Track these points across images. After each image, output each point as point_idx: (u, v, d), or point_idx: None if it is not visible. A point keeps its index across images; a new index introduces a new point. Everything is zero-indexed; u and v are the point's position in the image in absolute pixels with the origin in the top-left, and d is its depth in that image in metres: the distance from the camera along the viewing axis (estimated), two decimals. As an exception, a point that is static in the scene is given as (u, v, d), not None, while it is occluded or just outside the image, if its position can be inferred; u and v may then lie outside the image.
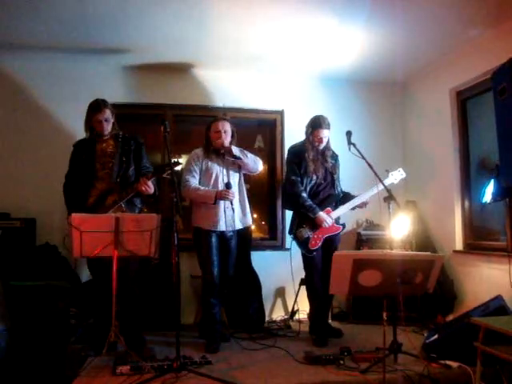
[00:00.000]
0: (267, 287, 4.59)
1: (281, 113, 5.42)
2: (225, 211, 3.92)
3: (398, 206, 3.84)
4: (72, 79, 4.91)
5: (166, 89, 5.06)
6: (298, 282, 4.88)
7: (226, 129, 4.01)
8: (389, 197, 3.77)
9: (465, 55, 4.49)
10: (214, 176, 3.99)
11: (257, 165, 4.13)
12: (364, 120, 5.32)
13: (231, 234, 4.01)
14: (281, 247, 5.25)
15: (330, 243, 4.14)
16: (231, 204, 3.90)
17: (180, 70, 5.09)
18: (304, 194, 4.08)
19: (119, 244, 3.23)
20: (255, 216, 5.25)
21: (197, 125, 5.46)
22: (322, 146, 4.20)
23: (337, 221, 4.19)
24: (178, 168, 3.54)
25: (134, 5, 3.72)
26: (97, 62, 4.87)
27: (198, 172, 4.01)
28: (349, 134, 4.16)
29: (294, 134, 5.30)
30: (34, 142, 4.78)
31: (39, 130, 4.81)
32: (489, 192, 4.33)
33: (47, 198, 4.63)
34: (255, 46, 4.53)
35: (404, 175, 4.31)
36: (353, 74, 5.24)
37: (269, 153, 5.50)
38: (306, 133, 4.25)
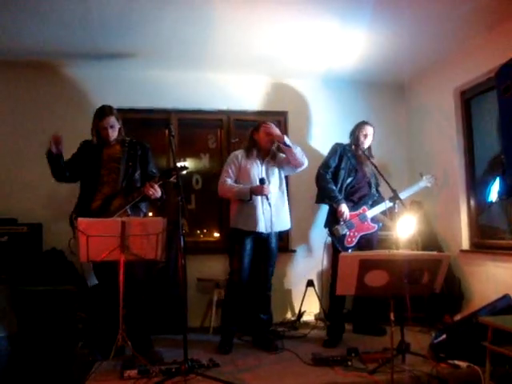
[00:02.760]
0: (274, 289, 4.57)
1: (285, 114, 5.42)
2: (263, 212, 3.93)
3: (404, 206, 3.85)
4: (76, 84, 4.93)
5: (170, 93, 5.07)
6: (304, 283, 4.90)
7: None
8: (394, 197, 3.77)
9: (468, 54, 4.48)
10: (252, 176, 4.00)
11: (304, 158, 4.07)
12: (368, 120, 5.32)
13: (268, 235, 3.98)
14: (286, 249, 5.24)
15: (367, 243, 4.20)
16: (267, 200, 3.85)
17: (184, 74, 5.10)
18: (330, 186, 4.18)
19: (126, 248, 3.24)
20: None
21: (201, 128, 5.48)
22: (366, 144, 4.31)
23: (373, 220, 4.25)
24: (184, 172, 3.57)
25: (138, 10, 3.73)
26: (101, 66, 4.88)
27: (234, 172, 4.07)
28: (364, 137, 4.20)
29: (298, 135, 5.32)
30: (39, 147, 4.78)
31: (44, 135, 4.80)
32: (494, 190, 4.32)
33: (53, 203, 4.66)
34: (259, 48, 4.54)
35: (436, 179, 4.53)
36: (356, 75, 5.24)
37: (273, 155, 5.50)
38: (352, 133, 4.39)
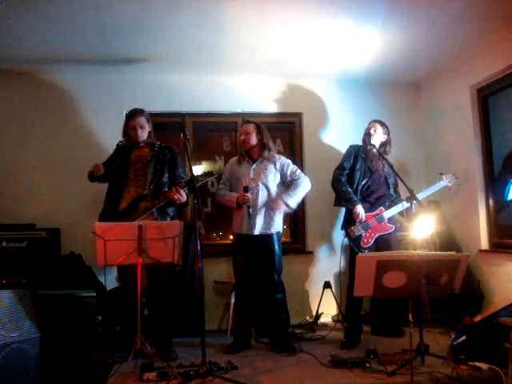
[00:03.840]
0: (290, 291, 4.58)
1: (299, 116, 5.41)
2: (249, 215, 3.93)
3: (421, 206, 3.81)
4: (91, 90, 4.98)
5: (184, 96, 5.08)
6: (321, 285, 4.88)
7: (250, 131, 4.13)
8: (411, 197, 3.74)
9: (484, 51, 4.43)
10: (240, 181, 4.04)
11: (306, 190, 4.18)
12: (383, 120, 5.29)
13: (264, 237, 3.99)
14: (303, 250, 5.23)
15: (385, 244, 4.17)
16: (248, 208, 3.88)
17: (198, 77, 5.11)
18: (345, 188, 4.20)
19: (143, 251, 3.26)
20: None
21: (216, 131, 5.50)
22: (374, 141, 4.27)
23: (390, 220, 4.22)
24: (212, 178, 3.70)
25: (150, 15, 3.76)
26: (114, 71, 4.91)
27: (228, 179, 4.20)
28: (368, 135, 4.17)
29: (313, 137, 5.32)
30: (56, 153, 4.86)
31: (62, 140, 4.88)
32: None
33: (71, 208, 4.72)
34: (272, 50, 4.54)
35: (457, 178, 4.46)
36: (370, 75, 5.21)
37: (289, 156, 5.47)
38: (364, 134, 4.38)
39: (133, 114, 3.84)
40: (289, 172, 4.14)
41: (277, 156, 4.20)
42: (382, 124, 4.38)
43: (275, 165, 4.13)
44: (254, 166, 4.09)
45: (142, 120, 3.83)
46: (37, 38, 4.11)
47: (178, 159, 3.94)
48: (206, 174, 3.62)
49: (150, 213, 3.64)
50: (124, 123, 3.92)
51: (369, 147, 4.24)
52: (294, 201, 4.04)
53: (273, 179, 4.10)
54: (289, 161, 4.22)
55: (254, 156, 4.14)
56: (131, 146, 3.88)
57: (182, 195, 3.61)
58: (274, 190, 4.09)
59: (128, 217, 3.57)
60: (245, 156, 4.15)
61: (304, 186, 4.13)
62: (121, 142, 4.00)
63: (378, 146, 4.27)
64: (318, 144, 5.31)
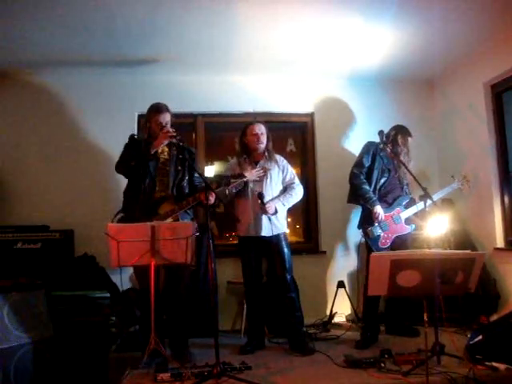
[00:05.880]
0: (304, 291, 4.56)
1: (311, 115, 5.39)
2: (255, 217, 3.92)
3: (435, 205, 3.78)
4: (104, 91, 5.01)
5: (195, 97, 5.09)
6: (335, 284, 4.86)
7: (263, 131, 4.07)
8: (425, 195, 3.71)
9: (497, 48, 4.38)
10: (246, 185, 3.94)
11: (298, 200, 4.18)
12: (396, 119, 5.18)
13: (271, 238, 3.95)
14: (316, 250, 5.21)
15: (402, 244, 4.15)
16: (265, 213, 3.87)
17: (209, 77, 5.10)
18: (364, 186, 4.13)
19: (156, 252, 3.25)
20: (289, 220, 5.22)
21: (228, 131, 5.50)
22: (402, 151, 4.27)
23: (406, 221, 4.21)
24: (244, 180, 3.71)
25: (161, 16, 3.77)
26: (127, 73, 4.93)
27: None
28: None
29: (325, 136, 5.30)
30: (70, 154, 4.89)
31: (75, 142, 4.91)
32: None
33: (84, 209, 4.74)
34: (283, 49, 4.53)
35: (468, 181, 4.48)
36: (382, 73, 5.17)
37: (301, 156, 5.48)
38: (388, 135, 4.30)
39: (160, 109, 3.68)
40: (288, 178, 4.14)
41: (277, 156, 4.18)
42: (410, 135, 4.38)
43: (278, 164, 4.11)
44: (258, 167, 4.03)
45: (169, 117, 3.71)
46: (48, 40, 4.13)
47: (195, 160, 3.92)
48: (238, 176, 3.58)
49: (176, 215, 3.58)
50: (148, 116, 3.75)
51: (382, 146, 4.20)
52: (283, 209, 4.04)
53: (276, 179, 4.08)
54: (289, 164, 4.23)
55: (257, 157, 4.10)
56: (150, 142, 3.65)
57: (213, 197, 3.52)
58: (278, 190, 4.08)
59: (149, 217, 3.49)
60: (246, 157, 4.09)
61: (298, 197, 4.16)
62: (134, 135, 3.88)
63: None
64: (331, 143, 5.29)
